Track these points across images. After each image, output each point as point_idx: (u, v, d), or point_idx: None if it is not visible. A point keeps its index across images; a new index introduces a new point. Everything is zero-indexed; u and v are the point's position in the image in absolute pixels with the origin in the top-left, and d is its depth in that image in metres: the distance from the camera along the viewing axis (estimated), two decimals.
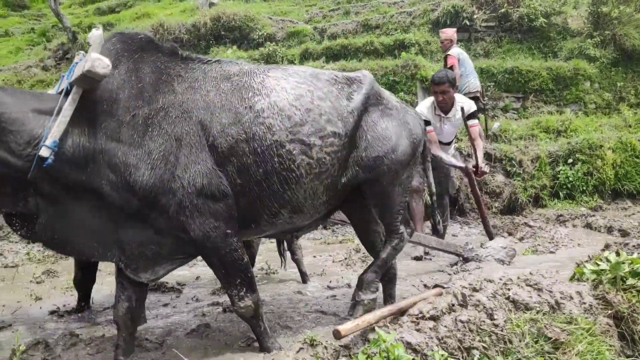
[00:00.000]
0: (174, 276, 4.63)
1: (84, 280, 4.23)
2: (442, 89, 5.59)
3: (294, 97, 3.09)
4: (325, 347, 2.53)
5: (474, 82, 8.30)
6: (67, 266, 5.49)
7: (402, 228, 3.69)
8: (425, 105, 5.94)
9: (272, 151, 2.94)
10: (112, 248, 2.88)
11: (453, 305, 2.89)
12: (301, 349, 2.55)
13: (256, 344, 3.08)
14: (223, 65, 3.21)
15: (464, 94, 7.42)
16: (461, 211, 8.33)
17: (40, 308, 4.30)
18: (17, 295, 4.64)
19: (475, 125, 5.86)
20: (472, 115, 5.80)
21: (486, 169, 5.80)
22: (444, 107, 5.75)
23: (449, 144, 6.04)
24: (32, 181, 2.61)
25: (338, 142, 3.16)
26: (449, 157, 5.73)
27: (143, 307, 3.39)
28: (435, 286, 3.40)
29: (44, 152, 2.53)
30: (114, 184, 2.74)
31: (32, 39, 17.47)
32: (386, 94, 3.67)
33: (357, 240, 5.33)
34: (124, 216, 2.81)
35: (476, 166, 5.78)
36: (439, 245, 5.24)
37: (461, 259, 5.33)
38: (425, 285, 4.48)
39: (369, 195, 3.49)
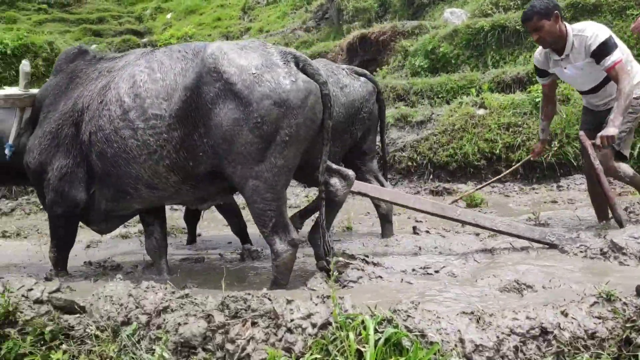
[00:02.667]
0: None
1: (191, 218, 5.24)
2: (531, 26, 4.27)
3: (129, 85, 3.36)
4: (625, 304, 2.36)
5: None
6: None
7: (276, 240, 3.22)
8: (536, 52, 4.69)
9: (112, 137, 3.39)
10: None
11: None
12: (595, 302, 2.42)
13: None
14: (115, 60, 3.78)
15: None
16: None
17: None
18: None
19: (613, 64, 4.04)
20: (601, 51, 4.09)
21: (610, 131, 3.96)
22: (547, 45, 4.37)
23: (592, 91, 4.47)
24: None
25: (160, 123, 3.22)
26: None
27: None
28: None
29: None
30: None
31: (295, 3, 19.08)
32: (237, 66, 3.11)
33: None
34: None
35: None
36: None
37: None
38: None
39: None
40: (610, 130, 3.96)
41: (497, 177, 6.27)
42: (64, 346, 2.52)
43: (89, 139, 3.54)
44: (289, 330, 2.24)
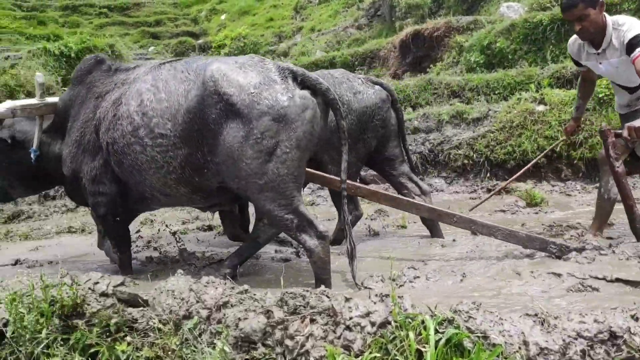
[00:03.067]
0: None
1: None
2: (575, 15, 3.82)
3: (138, 102, 3.55)
4: None
5: None
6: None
7: (305, 238, 3.34)
8: (570, 41, 4.28)
9: (125, 150, 3.61)
10: None
11: None
12: None
13: None
14: (128, 73, 3.98)
15: None
16: None
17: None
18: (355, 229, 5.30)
19: (638, 56, 3.60)
20: (637, 43, 3.64)
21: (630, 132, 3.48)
22: (588, 37, 3.96)
23: (629, 90, 4.04)
24: None
25: (166, 142, 3.42)
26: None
27: None
28: None
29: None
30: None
31: (347, 1, 19.08)
32: (236, 87, 3.23)
33: None
34: None
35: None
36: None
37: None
38: None
39: None
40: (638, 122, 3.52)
41: (515, 176, 5.75)
42: (128, 338, 2.61)
43: (107, 148, 3.78)
44: (348, 328, 2.23)
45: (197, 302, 2.57)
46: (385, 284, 3.37)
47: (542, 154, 6.10)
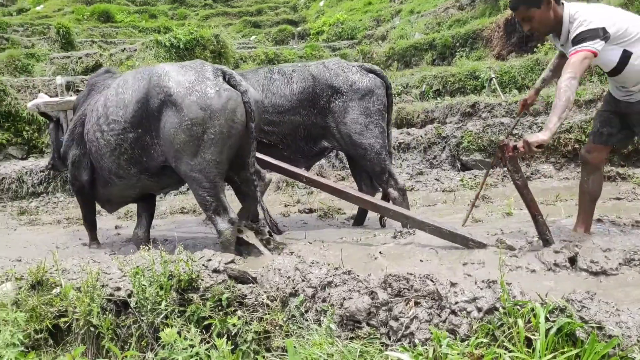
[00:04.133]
0: None
1: None
2: (519, 16, 3.62)
3: (104, 98, 4.30)
4: None
5: None
6: (499, 193, 5.87)
7: (218, 220, 3.91)
8: None
9: (92, 138, 4.35)
10: None
11: None
12: None
13: None
14: (116, 77, 4.71)
15: None
16: None
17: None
18: (456, 216, 5.18)
19: (575, 50, 3.31)
20: (581, 38, 3.31)
21: (539, 137, 3.20)
22: (542, 34, 3.79)
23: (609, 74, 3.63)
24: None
25: (118, 127, 4.09)
26: None
27: None
28: None
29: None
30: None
31: None
32: (175, 81, 3.84)
33: None
34: None
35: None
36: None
37: None
38: None
39: None
40: (540, 136, 3.22)
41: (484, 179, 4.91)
42: (238, 312, 2.76)
43: (85, 138, 4.57)
44: (453, 313, 2.21)
45: (303, 280, 2.67)
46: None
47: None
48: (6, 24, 17.66)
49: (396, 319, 2.21)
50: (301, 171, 4.61)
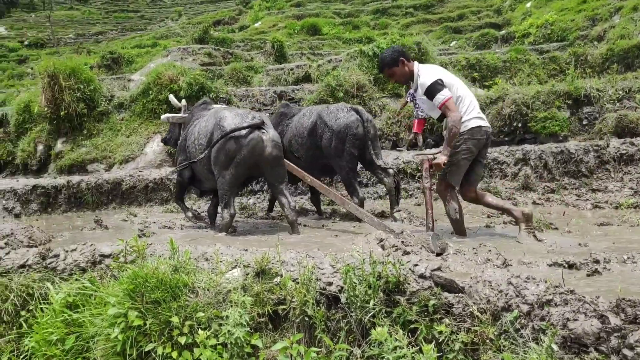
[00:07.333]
0: None
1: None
2: (385, 75, 5.34)
3: (198, 127, 6.38)
4: None
5: None
6: None
7: (225, 210, 5.96)
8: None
9: (192, 149, 6.39)
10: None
11: None
12: None
13: None
14: (208, 109, 6.84)
15: None
16: None
17: None
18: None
19: (440, 104, 4.86)
20: (430, 93, 4.90)
21: (438, 159, 4.88)
22: (405, 83, 5.33)
23: (440, 120, 5.26)
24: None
25: (201, 147, 6.15)
26: None
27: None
28: None
29: None
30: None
31: None
32: (220, 129, 5.94)
33: None
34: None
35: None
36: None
37: None
38: None
39: None
40: (439, 158, 4.79)
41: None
42: (446, 320, 2.73)
43: (187, 150, 6.52)
44: None
45: (517, 296, 2.53)
46: None
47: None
48: (230, 40, 19.92)
49: (631, 347, 1.98)
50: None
